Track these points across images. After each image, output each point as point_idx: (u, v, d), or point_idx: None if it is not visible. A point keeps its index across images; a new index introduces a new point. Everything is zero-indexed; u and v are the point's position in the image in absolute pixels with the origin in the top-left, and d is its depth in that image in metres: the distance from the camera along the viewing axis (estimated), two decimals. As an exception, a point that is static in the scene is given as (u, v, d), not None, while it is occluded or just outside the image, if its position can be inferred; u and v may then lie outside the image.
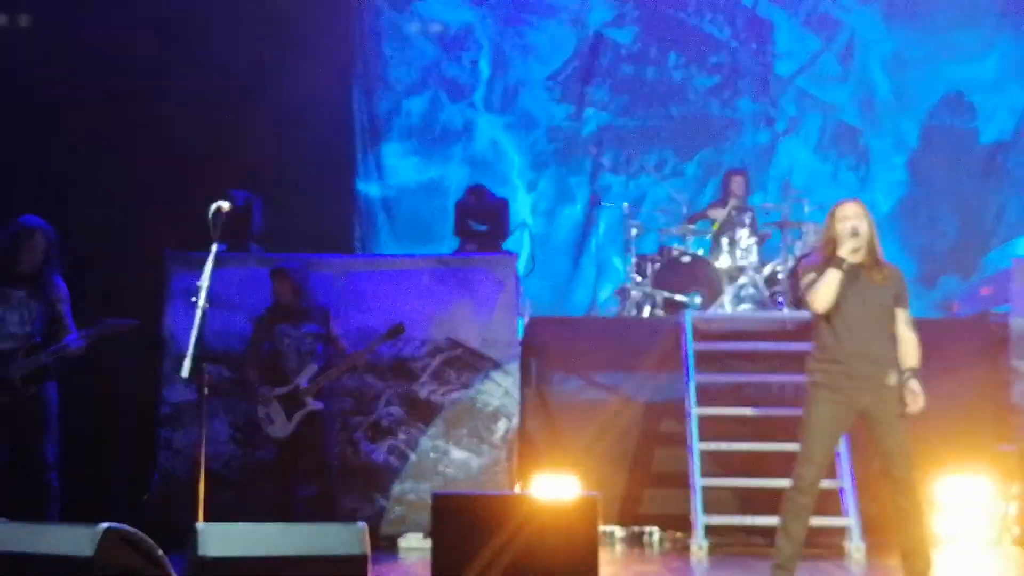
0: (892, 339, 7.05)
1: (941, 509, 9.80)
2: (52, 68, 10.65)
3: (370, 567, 5.98)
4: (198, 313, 6.40)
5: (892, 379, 6.97)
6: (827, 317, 6.99)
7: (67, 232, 8.20)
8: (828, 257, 7.03)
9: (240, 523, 6.02)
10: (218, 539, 5.74)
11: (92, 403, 10.19)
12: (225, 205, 6.57)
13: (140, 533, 5.93)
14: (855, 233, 6.96)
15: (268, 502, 9.05)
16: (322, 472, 8.94)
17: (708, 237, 11.83)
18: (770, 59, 13.38)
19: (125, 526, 5.91)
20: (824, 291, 6.94)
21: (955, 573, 8.51)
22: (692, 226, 11.87)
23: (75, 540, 5.79)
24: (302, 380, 8.79)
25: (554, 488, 9.49)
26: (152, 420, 10.05)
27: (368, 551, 5.92)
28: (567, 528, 5.32)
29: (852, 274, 6.96)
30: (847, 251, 6.96)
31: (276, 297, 9.07)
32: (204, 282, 6.44)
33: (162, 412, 9.99)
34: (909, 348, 7.07)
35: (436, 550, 5.39)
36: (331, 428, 9.12)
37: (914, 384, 6.99)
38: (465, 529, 5.35)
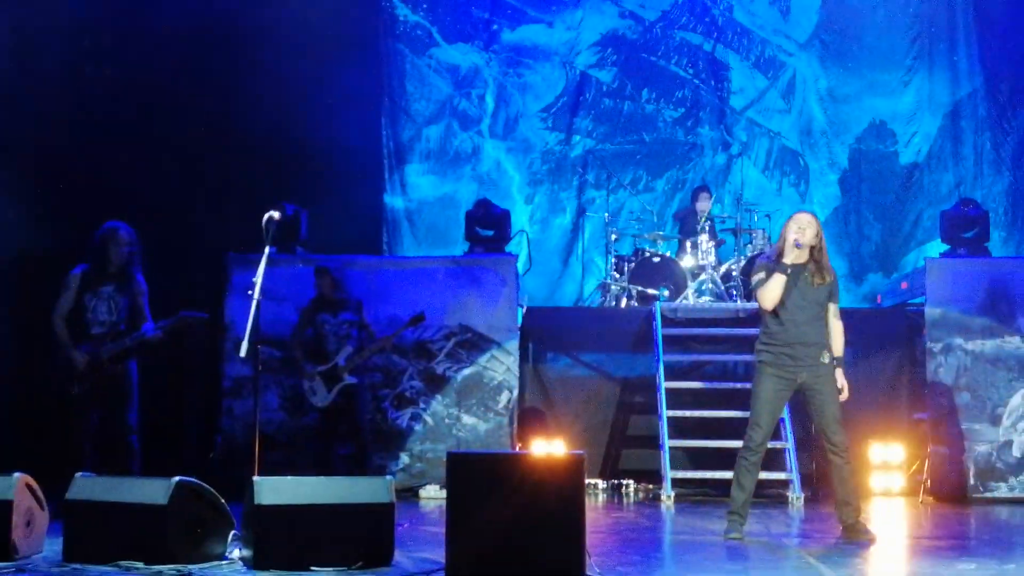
0: (825, 326, 7.05)
1: (868, 467, 9.80)
2: (128, 90, 10.57)
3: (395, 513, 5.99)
4: (253, 304, 6.41)
5: (825, 358, 6.99)
6: (772, 310, 6.99)
7: (144, 235, 8.21)
8: (777, 258, 7.02)
9: (289, 477, 6.02)
10: (271, 490, 5.74)
11: (167, 379, 10.19)
12: (276, 214, 6.58)
13: (206, 485, 5.94)
14: (797, 244, 6.96)
15: (312, 460, 9.05)
16: (356, 434, 8.96)
17: (674, 242, 11.82)
18: (726, 94, 13.35)
19: (193, 479, 5.93)
20: (770, 292, 6.95)
21: (879, 520, 8.48)
22: (661, 233, 11.87)
23: (151, 491, 5.80)
24: (340, 359, 8.79)
25: (547, 448, 9.53)
26: (216, 392, 10.05)
27: (394, 499, 5.93)
28: (558, 481, 5.30)
29: (795, 273, 6.96)
30: (790, 259, 6.95)
31: (319, 290, 9.06)
32: (259, 278, 6.45)
33: (224, 385, 9.98)
34: (837, 337, 7.10)
35: (450, 499, 5.37)
36: (364, 398, 9.13)
37: (839, 375, 7.01)
38: (475, 482, 5.33)
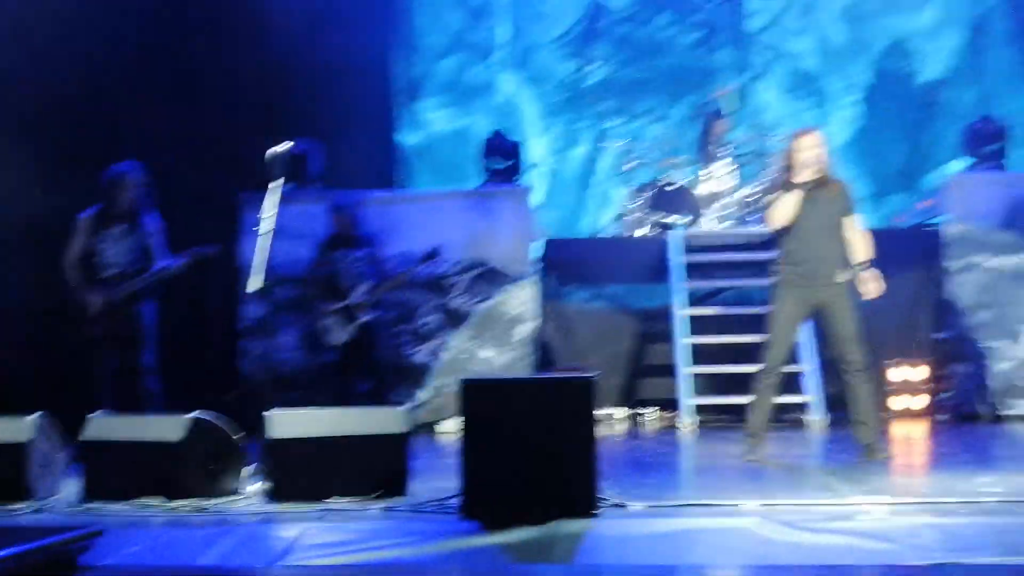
0: (842, 243, 7.04)
1: (888, 388, 9.79)
2: (135, 31, 10.54)
3: (411, 444, 6.05)
4: (260, 238, 6.43)
5: (841, 276, 6.98)
6: (788, 229, 6.98)
7: (155, 175, 8.23)
8: (787, 180, 7.01)
9: (302, 409, 6.08)
10: (285, 423, 5.82)
11: (184, 319, 10.26)
12: (282, 148, 6.59)
13: (221, 421, 6.01)
14: (806, 164, 6.94)
15: (331, 397, 9.12)
16: (374, 371, 9.01)
17: (692, 168, 11.77)
18: (742, 17, 13.20)
19: (208, 415, 5.99)
20: (780, 211, 6.97)
21: (899, 439, 8.51)
22: (678, 159, 11.80)
23: (167, 428, 5.88)
24: (355, 296, 8.83)
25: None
26: (233, 333, 10.12)
27: (409, 429, 5.99)
28: (570, 403, 5.33)
29: (807, 192, 6.94)
30: (802, 177, 6.94)
31: (334, 228, 9.08)
32: (265, 213, 6.48)
33: (241, 326, 10.05)
34: (859, 245, 7.06)
35: (464, 426, 5.42)
36: (380, 335, 9.17)
37: (867, 273, 6.99)
38: (487, 408, 5.37)
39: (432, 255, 8.95)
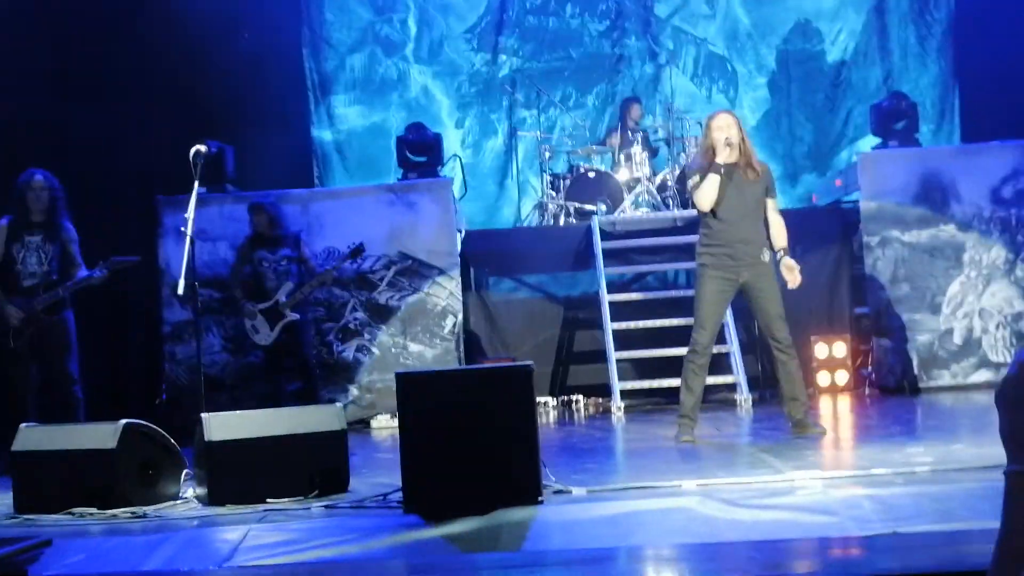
0: (764, 224, 7.13)
1: (813, 364, 9.95)
2: (48, 32, 10.33)
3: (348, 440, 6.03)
4: (187, 241, 6.37)
5: (766, 256, 7.07)
6: (712, 211, 7.05)
7: (69, 182, 8.10)
8: (708, 162, 7.08)
9: (237, 411, 6.03)
10: (220, 426, 5.76)
11: (106, 327, 10.12)
12: (203, 147, 6.53)
13: (154, 426, 5.94)
14: (728, 143, 7.02)
15: (260, 398, 9.05)
16: (303, 370, 8.96)
17: (608, 156, 11.84)
18: (650, 3, 13.26)
19: (141, 421, 5.92)
20: (706, 192, 7.02)
21: (827, 414, 8.66)
22: (594, 147, 11.88)
23: (99, 436, 5.80)
24: (280, 296, 8.76)
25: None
26: (157, 337, 9.99)
27: (345, 426, 5.97)
28: (509, 393, 5.35)
29: (728, 173, 7.02)
30: (723, 158, 7.02)
31: (255, 227, 9.01)
32: (190, 214, 6.41)
33: (164, 330, 9.93)
34: (779, 231, 7.16)
35: (402, 420, 5.40)
36: (308, 334, 9.12)
37: (789, 261, 7.10)
38: (425, 400, 5.37)
39: (357, 251, 8.93)
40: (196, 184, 6.52)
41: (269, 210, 8.98)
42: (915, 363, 9.71)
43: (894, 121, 10.48)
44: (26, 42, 10.13)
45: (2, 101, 9.83)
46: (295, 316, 8.79)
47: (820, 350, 10.03)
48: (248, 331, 8.89)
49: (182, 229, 6.39)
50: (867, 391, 9.74)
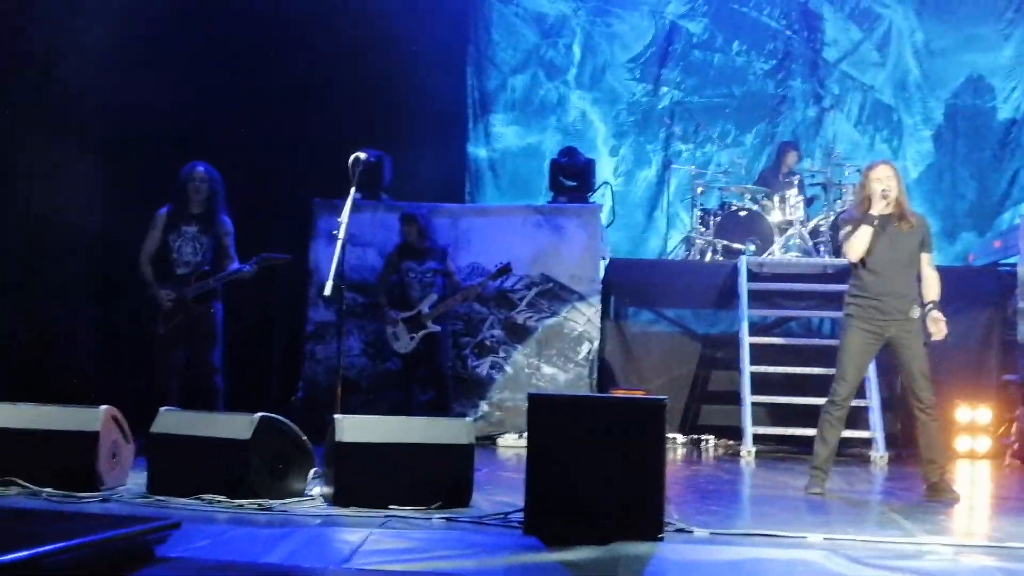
0: (915, 279, 6.97)
1: (955, 429, 9.68)
2: (212, 42, 10.64)
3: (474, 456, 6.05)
4: (338, 244, 6.49)
5: (915, 312, 6.90)
6: (861, 261, 6.92)
7: (230, 182, 8.33)
8: (863, 212, 6.96)
9: (369, 416, 6.10)
10: (352, 428, 5.83)
11: (252, 321, 10.37)
12: (362, 155, 6.65)
13: (288, 421, 6.05)
14: (885, 195, 6.88)
15: (392, 405, 9.15)
16: (437, 381, 9.04)
17: (761, 197, 11.71)
18: (819, 46, 13.10)
19: (276, 416, 6.03)
20: (857, 243, 6.89)
21: (964, 481, 8.40)
22: (749, 186, 11.75)
23: (235, 426, 5.92)
24: (424, 307, 8.86)
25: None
26: (300, 336, 10.19)
27: (473, 441, 5.99)
28: (639, 425, 5.30)
29: (882, 224, 6.89)
30: (878, 210, 6.88)
31: (404, 238, 9.13)
32: (344, 218, 6.53)
33: (307, 329, 10.12)
34: (932, 284, 6.99)
35: (531, 441, 5.40)
36: (445, 346, 9.20)
37: (936, 314, 6.92)
38: (555, 424, 5.35)
39: (504, 270, 8.97)
40: (352, 190, 6.64)
41: (420, 222, 9.09)
42: (1061, 437, 9.35)
43: (1063, 186, 10.15)
44: (197, 44, 10.45)
45: (171, 97, 10.17)
46: (436, 328, 8.88)
47: (963, 414, 9.75)
48: (388, 338, 9.02)
49: (334, 232, 6.51)
50: (1007, 461, 9.41)
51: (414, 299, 8.91)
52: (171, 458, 5.94)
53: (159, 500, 5.75)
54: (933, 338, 6.91)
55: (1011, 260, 10.21)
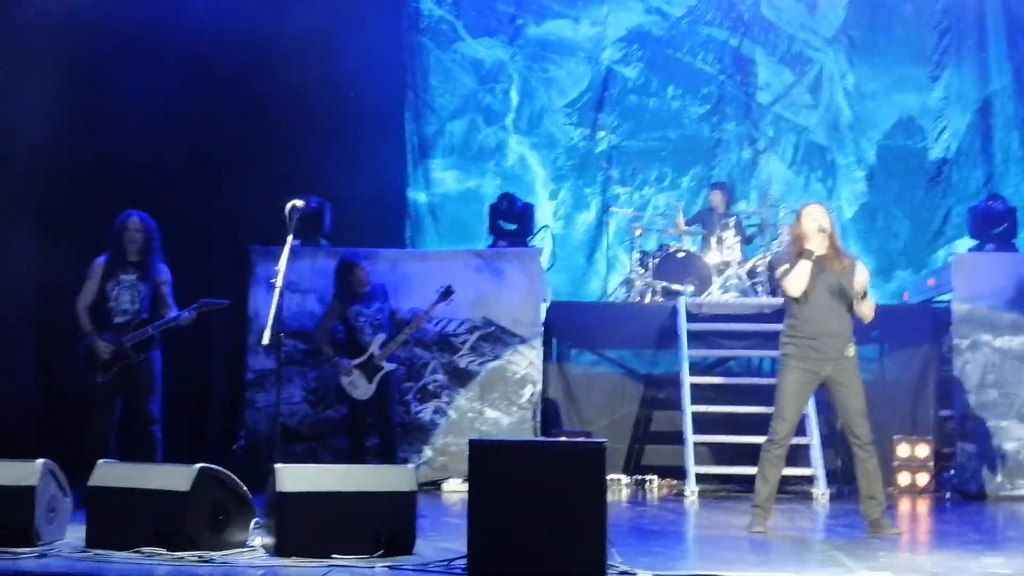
0: (850, 317, 7.04)
1: (894, 464, 9.76)
2: (147, 87, 10.58)
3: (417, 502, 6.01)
4: (276, 291, 6.45)
5: (850, 351, 6.97)
6: (797, 300, 6.99)
7: (167, 229, 8.28)
8: (798, 250, 7.03)
9: (310, 464, 6.05)
10: (292, 477, 5.77)
11: (191, 370, 10.28)
12: (299, 203, 6.63)
13: (228, 472, 5.97)
14: (822, 229, 6.97)
15: (336, 453, 9.06)
16: (386, 426, 8.88)
17: (699, 237, 11.80)
18: (752, 90, 13.28)
19: (215, 466, 5.96)
20: (797, 278, 6.95)
21: (905, 516, 8.47)
22: (686, 228, 11.85)
23: (174, 477, 5.83)
24: (374, 348, 8.76)
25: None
26: (240, 384, 10.11)
27: (416, 488, 5.95)
28: (580, 470, 5.31)
29: (817, 264, 6.96)
30: (814, 246, 6.97)
31: (348, 285, 8.99)
32: (282, 266, 6.50)
33: (247, 378, 10.03)
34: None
35: (472, 487, 5.38)
36: (397, 389, 9.06)
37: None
38: (497, 470, 5.34)
39: (447, 293, 8.84)
40: (290, 237, 6.61)
41: (362, 265, 9.01)
42: (999, 471, 9.47)
43: (992, 224, 10.35)
44: (132, 92, 10.37)
45: (105, 143, 10.10)
46: (390, 366, 8.76)
47: (902, 450, 9.85)
48: (346, 387, 8.81)
49: (272, 280, 6.48)
50: (948, 495, 9.52)
51: (366, 343, 8.79)
52: (110, 511, 5.84)
53: (98, 554, 5.64)
54: (857, 280, 6.92)
55: (945, 297, 10.35)
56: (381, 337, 8.76)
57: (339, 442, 9.36)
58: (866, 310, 6.94)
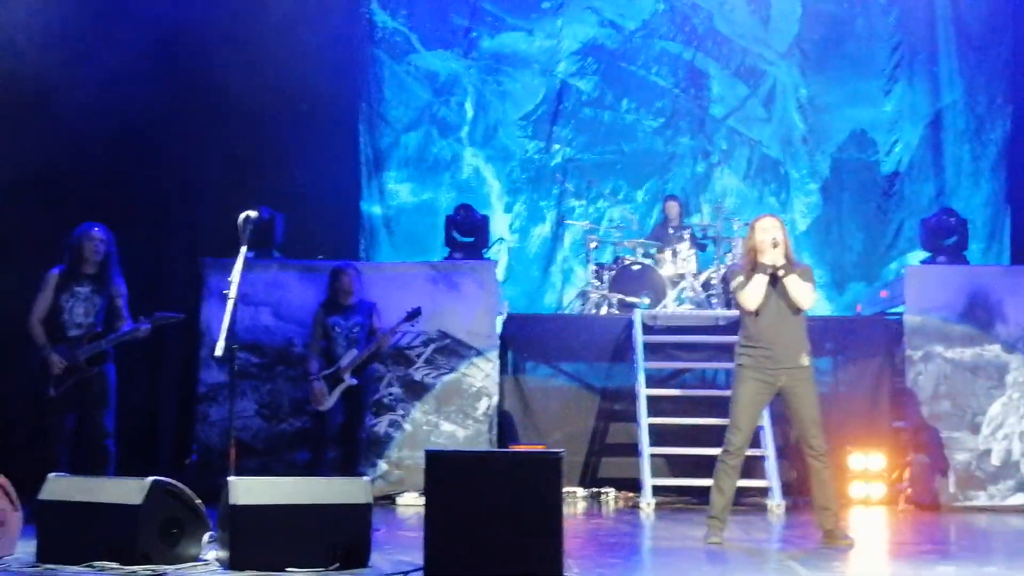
0: (804, 327, 7.10)
1: (848, 475, 9.84)
2: (99, 97, 10.51)
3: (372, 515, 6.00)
4: (229, 304, 6.42)
5: (805, 361, 7.03)
6: (750, 312, 7.05)
7: (118, 241, 8.23)
8: (752, 263, 7.09)
9: (264, 477, 6.03)
10: (246, 490, 5.75)
11: (144, 383, 10.21)
12: (253, 213, 6.62)
13: (181, 485, 5.95)
14: (775, 244, 7.04)
15: (291, 466, 9.00)
16: (349, 439, 8.86)
17: (653, 251, 11.86)
18: (706, 103, 13.39)
19: (168, 479, 5.93)
20: (753, 292, 7.01)
21: (859, 527, 8.55)
22: (641, 240, 11.91)
23: (126, 491, 5.80)
24: (343, 362, 8.75)
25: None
26: (192, 398, 10.05)
27: (371, 500, 5.94)
28: (536, 479, 5.33)
29: (771, 276, 7.02)
30: (768, 259, 7.03)
31: (331, 293, 8.98)
32: (234, 277, 6.48)
33: (200, 391, 9.97)
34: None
35: (429, 498, 5.39)
36: (365, 403, 9.02)
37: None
38: (453, 481, 5.36)
39: (415, 314, 8.84)
40: (243, 249, 6.59)
41: (351, 275, 8.97)
42: (952, 481, 9.58)
43: (943, 237, 10.49)
44: (82, 98, 10.33)
45: (56, 153, 10.03)
46: (352, 381, 8.74)
47: (856, 461, 9.93)
48: (314, 396, 8.80)
49: (225, 292, 6.45)
50: (901, 506, 9.61)
51: (338, 356, 8.78)
52: (61, 526, 5.80)
53: (49, 569, 5.61)
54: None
55: (898, 309, 10.45)
56: (353, 352, 8.75)
57: (293, 456, 9.31)
58: (792, 289, 6.93)
